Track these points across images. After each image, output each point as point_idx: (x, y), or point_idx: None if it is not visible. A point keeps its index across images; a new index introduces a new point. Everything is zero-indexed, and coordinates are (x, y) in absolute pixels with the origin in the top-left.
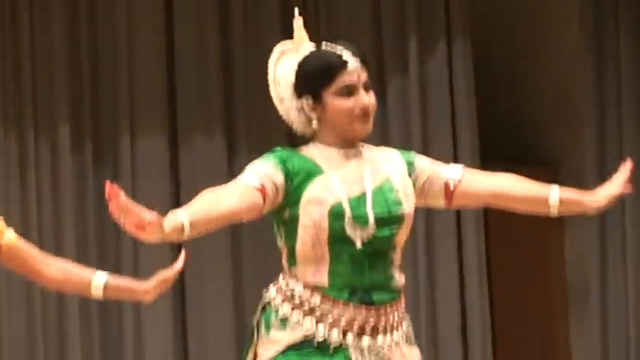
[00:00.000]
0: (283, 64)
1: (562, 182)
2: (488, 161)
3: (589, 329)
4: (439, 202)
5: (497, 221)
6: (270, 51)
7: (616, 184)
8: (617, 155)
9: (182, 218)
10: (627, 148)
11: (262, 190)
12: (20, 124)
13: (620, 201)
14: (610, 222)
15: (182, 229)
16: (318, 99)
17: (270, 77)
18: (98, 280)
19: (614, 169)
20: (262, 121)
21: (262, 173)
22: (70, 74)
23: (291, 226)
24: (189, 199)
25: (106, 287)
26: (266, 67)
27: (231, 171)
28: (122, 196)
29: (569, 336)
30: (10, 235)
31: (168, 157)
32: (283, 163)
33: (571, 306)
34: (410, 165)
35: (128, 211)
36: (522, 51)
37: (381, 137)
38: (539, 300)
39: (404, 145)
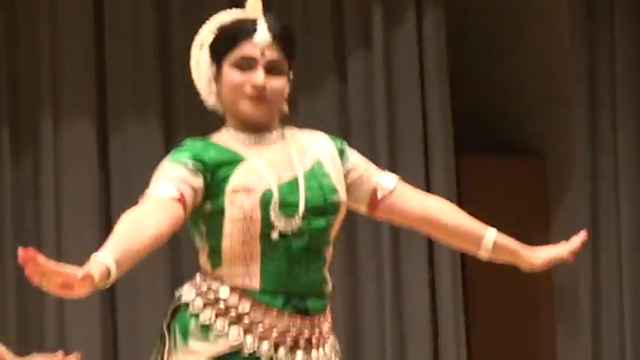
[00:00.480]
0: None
1: (550, 175)
2: (464, 152)
3: (579, 344)
4: (361, 208)
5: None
6: None
7: (562, 250)
8: (611, 144)
9: (106, 261)
10: (622, 136)
11: (182, 200)
12: None
13: (614, 196)
14: (603, 220)
15: (108, 273)
16: (219, 69)
17: (196, 38)
18: None
19: (608, 160)
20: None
21: (177, 178)
22: None
23: (214, 220)
24: (121, 195)
25: None
26: None
27: None
28: (40, 259)
29: (557, 353)
30: None
31: (96, 146)
32: (197, 158)
33: (559, 317)
34: (341, 153)
35: (51, 274)
36: (503, 24)
37: (341, 122)
38: (521, 309)
39: (366, 131)
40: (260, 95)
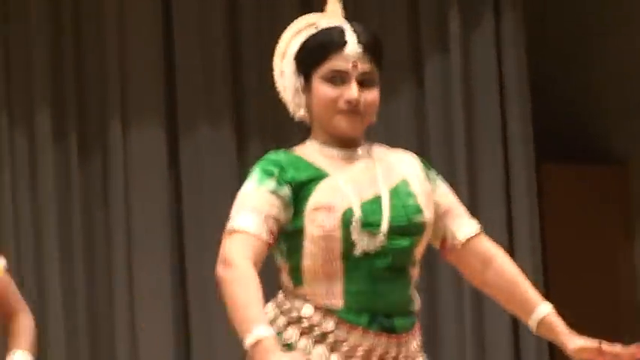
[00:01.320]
0: (298, 38)
1: (632, 183)
2: (545, 158)
3: None
4: (435, 243)
5: (555, 235)
6: (286, 27)
7: (594, 345)
8: None
9: (270, 333)
10: None
11: (271, 243)
12: None
13: None
14: None
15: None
16: (308, 81)
17: (278, 48)
18: None
19: None
20: (277, 107)
21: (270, 214)
22: (50, 51)
23: (294, 240)
24: (192, 199)
25: None
26: None
27: (241, 166)
28: None
29: None
30: None
31: (166, 150)
32: (283, 179)
33: None
34: (430, 179)
35: None
36: (585, 27)
37: (418, 130)
38: (603, 328)
39: (444, 139)
40: (354, 110)
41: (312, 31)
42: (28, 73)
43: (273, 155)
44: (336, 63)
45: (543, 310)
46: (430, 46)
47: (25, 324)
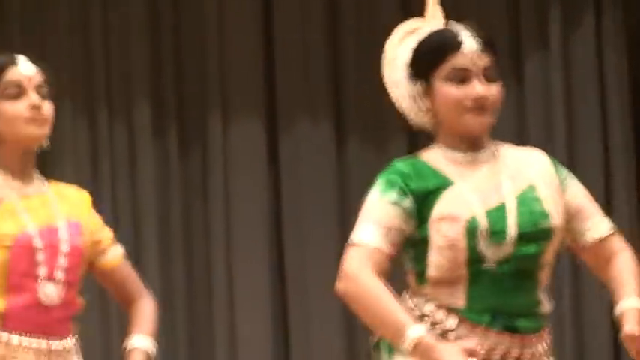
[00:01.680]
0: (405, 44)
1: None
2: None
3: None
4: (566, 243)
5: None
6: (386, 23)
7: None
8: None
9: (426, 331)
10: None
11: (394, 255)
12: (91, 103)
13: None
14: None
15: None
16: (429, 84)
17: (387, 57)
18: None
19: None
20: (377, 105)
21: (393, 227)
22: (150, 45)
23: (420, 248)
24: (292, 196)
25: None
26: (381, 42)
27: (340, 163)
28: None
29: None
30: (115, 255)
31: (266, 146)
32: (405, 191)
33: None
34: (562, 182)
35: None
36: None
37: (518, 128)
38: None
39: (544, 138)
40: (482, 106)
41: (418, 36)
42: (127, 67)
43: (399, 164)
44: (456, 61)
45: (628, 303)
46: (530, 45)
47: (144, 308)
